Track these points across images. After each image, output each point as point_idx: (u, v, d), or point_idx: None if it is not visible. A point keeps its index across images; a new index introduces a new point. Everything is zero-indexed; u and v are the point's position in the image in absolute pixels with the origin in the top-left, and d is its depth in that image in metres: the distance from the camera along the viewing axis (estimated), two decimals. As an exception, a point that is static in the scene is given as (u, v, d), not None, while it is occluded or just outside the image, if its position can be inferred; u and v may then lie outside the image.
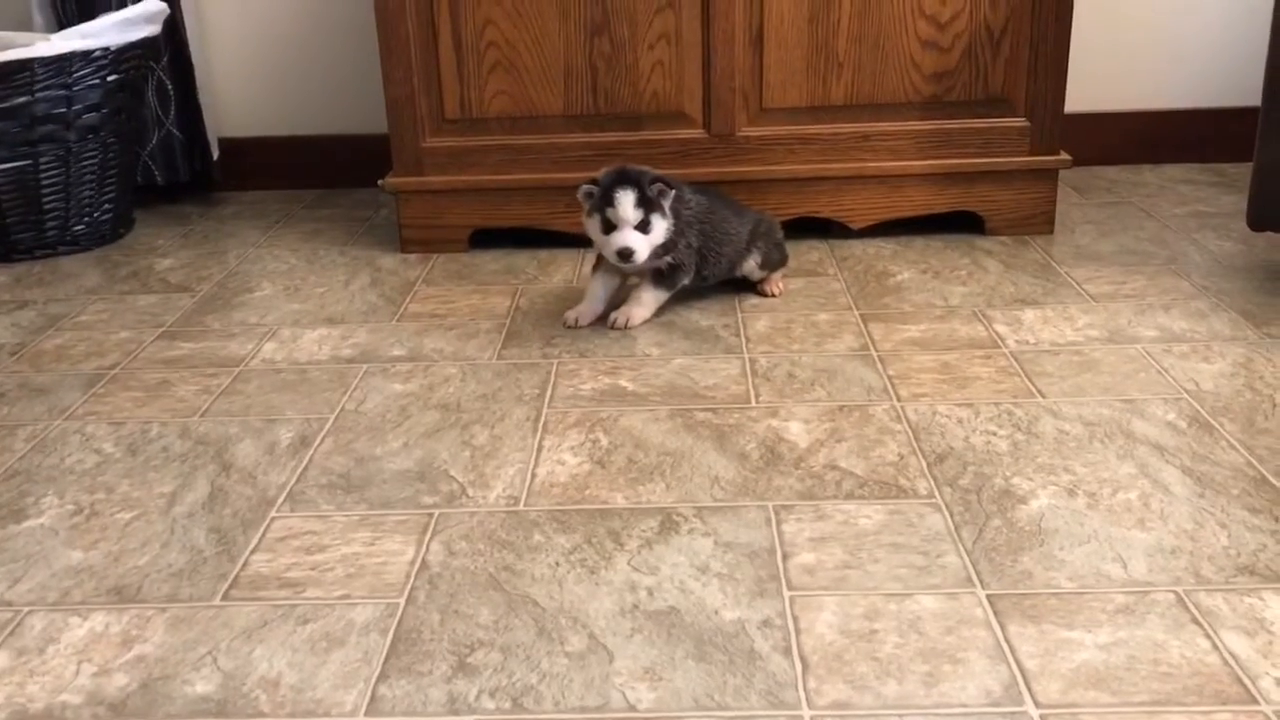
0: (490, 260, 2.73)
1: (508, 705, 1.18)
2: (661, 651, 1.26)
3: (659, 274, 2.18)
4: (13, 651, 1.34)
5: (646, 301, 2.20)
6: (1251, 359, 2.01)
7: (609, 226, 2.10)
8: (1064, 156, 2.69)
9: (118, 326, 2.40)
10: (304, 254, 2.86)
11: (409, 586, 1.44)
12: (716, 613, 1.35)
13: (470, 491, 1.66)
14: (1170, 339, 2.11)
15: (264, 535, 1.57)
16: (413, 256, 2.80)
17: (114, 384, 2.10)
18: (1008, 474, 1.65)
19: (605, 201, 2.08)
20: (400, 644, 1.32)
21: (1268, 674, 1.23)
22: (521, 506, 1.61)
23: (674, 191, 2.12)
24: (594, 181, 2.11)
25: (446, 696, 1.21)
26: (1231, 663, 1.25)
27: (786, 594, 1.39)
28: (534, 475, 1.69)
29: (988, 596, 1.38)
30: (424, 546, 1.53)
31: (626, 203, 2.06)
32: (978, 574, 1.42)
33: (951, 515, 1.55)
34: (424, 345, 2.22)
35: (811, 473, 1.67)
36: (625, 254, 2.08)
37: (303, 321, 2.38)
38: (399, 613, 1.39)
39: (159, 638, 1.36)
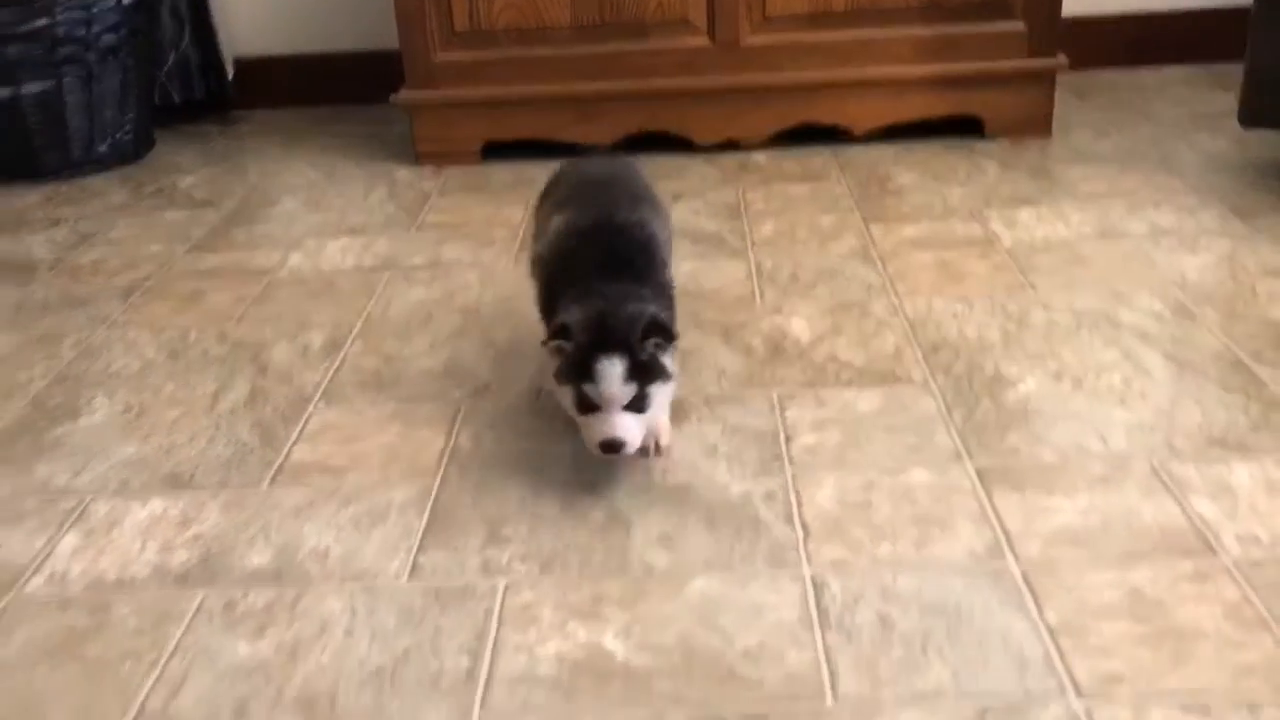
0: (502, 172, 2.81)
1: (536, 570, 1.30)
2: (675, 521, 1.38)
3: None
4: (82, 533, 1.46)
5: (661, 403, 1.48)
6: (1236, 251, 2.10)
7: (587, 404, 1.41)
8: (1061, 60, 2.75)
9: (148, 241, 2.49)
10: (322, 168, 2.94)
11: (441, 470, 1.56)
12: (725, 487, 1.47)
13: (494, 387, 1.77)
14: (1159, 234, 2.20)
15: (304, 428, 1.69)
16: (427, 169, 2.88)
17: (150, 295, 2.20)
18: (998, 361, 1.76)
19: (581, 374, 1.39)
20: (436, 520, 1.45)
21: (1229, 531, 1.34)
22: (541, 401, 1.72)
23: (676, 341, 1.45)
24: (562, 330, 1.41)
25: (481, 562, 1.33)
26: (1198, 522, 1.37)
27: (789, 471, 1.51)
28: (553, 370, 1.81)
29: (975, 469, 1.49)
30: (453, 436, 1.64)
31: (612, 377, 1.38)
32: (967, 450, 1.54)
33: (944, 399, 1.66)
34: (443, 253, 2.31)
35: (813, 364, 1.78)
36: (612, 447, 1.39)
37: (325, 232, 2.47)
38: (433, 493, 1.51)
39: (214, 519, 1.48)
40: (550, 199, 1.72)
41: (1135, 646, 1.18)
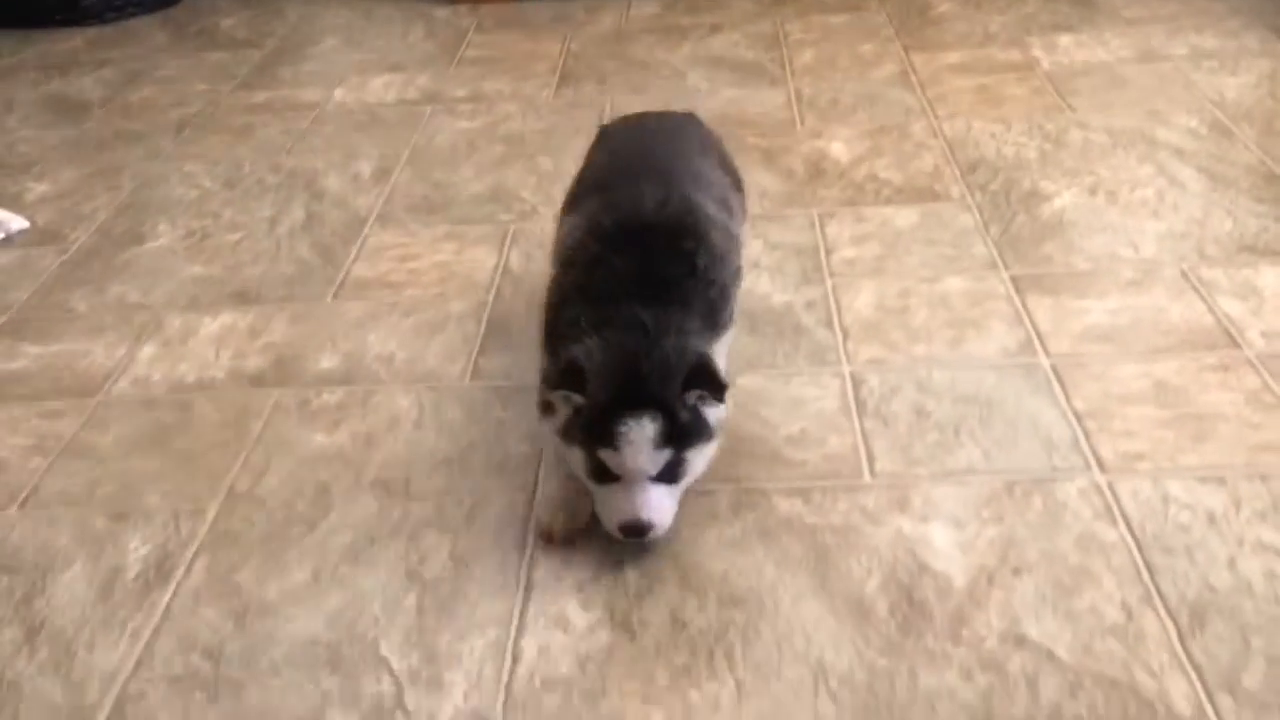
0: (538, 9, 2.81)
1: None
2: (720, 325, 1.46)
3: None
4: (159, 343, 1.55)
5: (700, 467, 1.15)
6: (1276, 71, 2.10)
7: (605, 474, 1.09)
8: (1107, -119, 2.68)
9: (195, 79, 2.53)
10: (360, 9, 2.95)
11: (494, 286, 1.63)
12: (767, 297, 1.53)
13: (540, 210, 1.83)
14: (1199, 56, 2.19)
15: (361, 248, 1.76)
16: (463, 7, 2.88)
17: (201, 129, 2.25)
18: (1035, 178, 1.79)
19: (599, 437, 1.07)
20: (492, 329, 1.52)
21: (1254, 327, 1.40)
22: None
23: (725, 392, 1.09)
24: (573, 373, 1.08)
25: (535, 363, 1.42)
26: (1224, 320, 1.42)
27: (829, 281, 1.57)
28: (598, 192, 1.86)
29: (1010, 277, 1.55)
30: (504, 255, 1.71)
31: (640, 443, 1.06)
32: (1002, 260, 1.59)
33: (981, 214, 1.70)
34: (483, 87, 2.34)
35: (853, 184, 1.82)
36: (636, 530, 1.09)
37: (368, 69, 2.50)
38: (488, 306, 1.58)
39: (282, 329, 1.56)
40: (584, 176, 1.39)
41: (1157, 428, 1.24)
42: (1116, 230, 1.64)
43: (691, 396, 1.07)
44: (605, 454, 1.07)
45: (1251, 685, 0.95)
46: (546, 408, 1.12)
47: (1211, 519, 1.12)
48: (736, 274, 1.25)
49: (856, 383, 1.35)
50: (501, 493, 1.23)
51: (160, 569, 1.17)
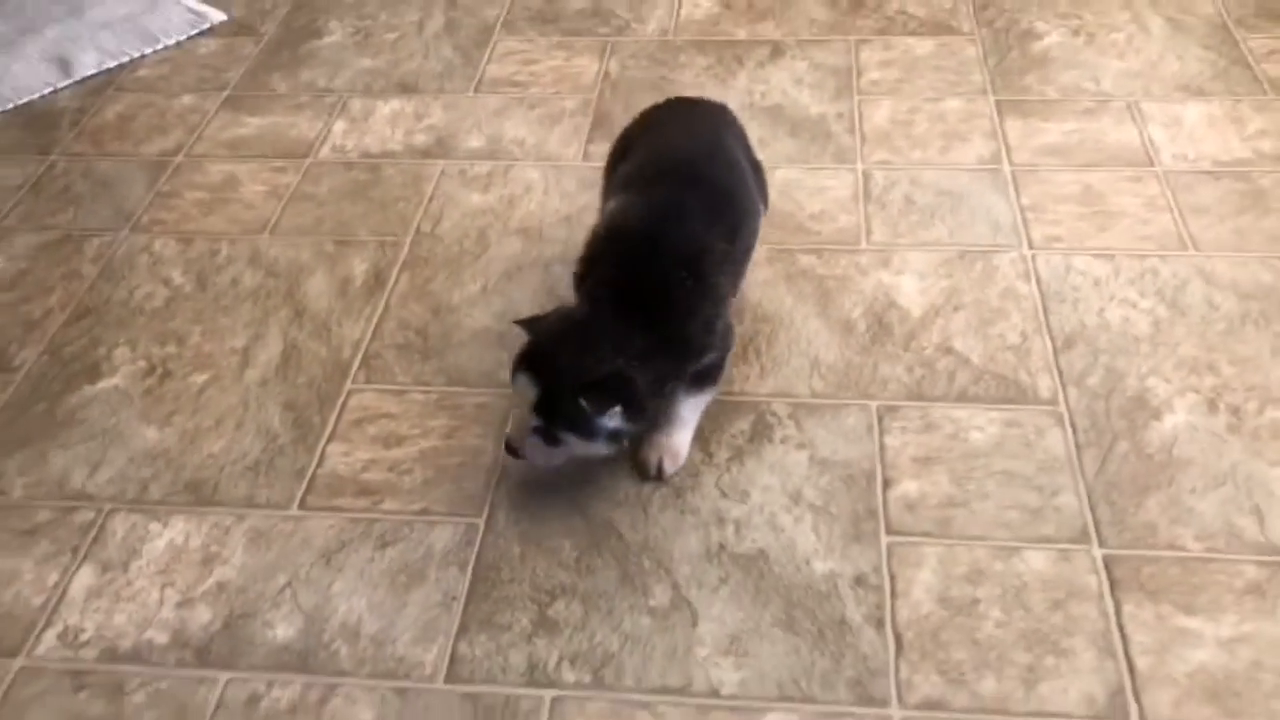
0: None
1: (671, 157, 1.90)
2: (769, 131, 1.95)
3: (699, 373, 1.40)
4: (347, 120, 2.07)
5: (689, 419, 1.42)
6: (1259, -70, 2.46)
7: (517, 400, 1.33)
8: None
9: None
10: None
11: (598, 88, 2.12)
12: (806, 108, 2.02)
13: (632, 25, 2.29)
14: (1198, -89, 2.55)
15: (492, 53, 2.24)
16: None
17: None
18: (1032, 19, 2.22)
19: (513, 369, 1.32)
20: (597, 121, 2.03)
21: (1168, 150, 1.87)
22: (670, 36, 2.24)
23: (618, 409, 1.29)
24: (533, 321, 1.37)
25: (632, 150, 1.93)
26: (1147, 143, 1.89)
27: (856, 98, 2.04)
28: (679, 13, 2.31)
29: (995, 101, 2.01)
30: (604, 63, 2.19)
31: (524, 397, 1.30)
32: (992, 86, 2.05)
33: (983, 47, 2.15)
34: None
35: (885, 16, 2.26)
36: (508, 447, 1.34)
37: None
38: (594, 103, 2.08)
39: (438, 115, 2.07)
40: (617, 166, 1.55)
41: (1076, 220, 1.74)
42: (1086, 67, 2.09)
43: (585, 402, 1.27)
44: (512, 381, 1.32)
45: (1092, 383, 1.49)
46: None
47: (1096, 282, 1.63)
48: (713, 320, 1.37)
49: (866, 177, 1.85)
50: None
51: (378, 278, 1.73)
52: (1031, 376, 1.50)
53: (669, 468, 1.39)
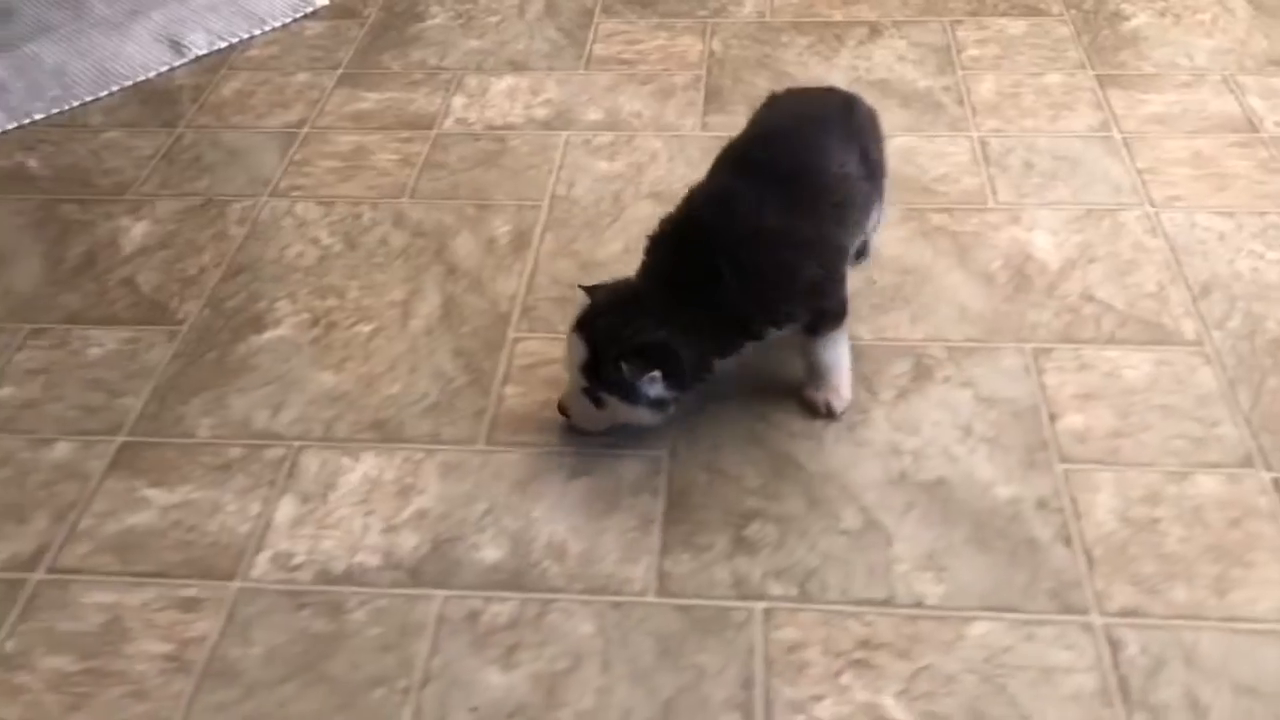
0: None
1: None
2: (879, 105, 2.02)
3: (814, 320, 1.43)
4: (465, 96, 2.13)
5: (836, 359, 1.45)
6: (1323, -80, 2.56)
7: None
8: None
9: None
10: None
11: (705, 64, 2.18)
12: (914, 82, 2.09)
13: (729, 7, 2.36)
14: (1262, -96, 2.64)
15: (595, 34, 2.30)
16: None
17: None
18: (1118, 2, 2.30)
19: (568, 334, 1.39)
20: (710, 95, 2.09)
21: (1270, 118, 1.95)
22: (768, 18, 2.32)
23: (657, 375, 1.34)
24: (592, 289, 1.43)
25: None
26: (1248, 112, 1.97)
27: (959, 73, 2.11)
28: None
29: (1094, 75, 2.09)
30: (708, 42, 2.26)
31: (573, 358, 1.38)
32: (1089, 62, 2.12)
33: (1075, 27, 2.23)
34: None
35: (974, -1, 2.34)
36: (560, 411, 1.44)
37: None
38: (703, 79, 2.14)
39: (553, 91, 2.13)
40: (724, 151, 1.52)
41: (1192, 182, 1.81)
42: (1178, 44, 2.17)
43: (623, 366, 1.32)
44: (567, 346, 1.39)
45: (1233, 326, 1.55)
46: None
47: (1220, 236, 1.70)
48: (811, 285, 1.38)
49: (983, 144, 1.92)
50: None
51: (521, 238, 1.78)
52: (1174, 320, 1.56)
53: (837, 405, 1.45)
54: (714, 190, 1.44)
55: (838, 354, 1.45)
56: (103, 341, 1.62)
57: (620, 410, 1.37)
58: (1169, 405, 1.44)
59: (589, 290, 1.42)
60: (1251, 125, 1.94)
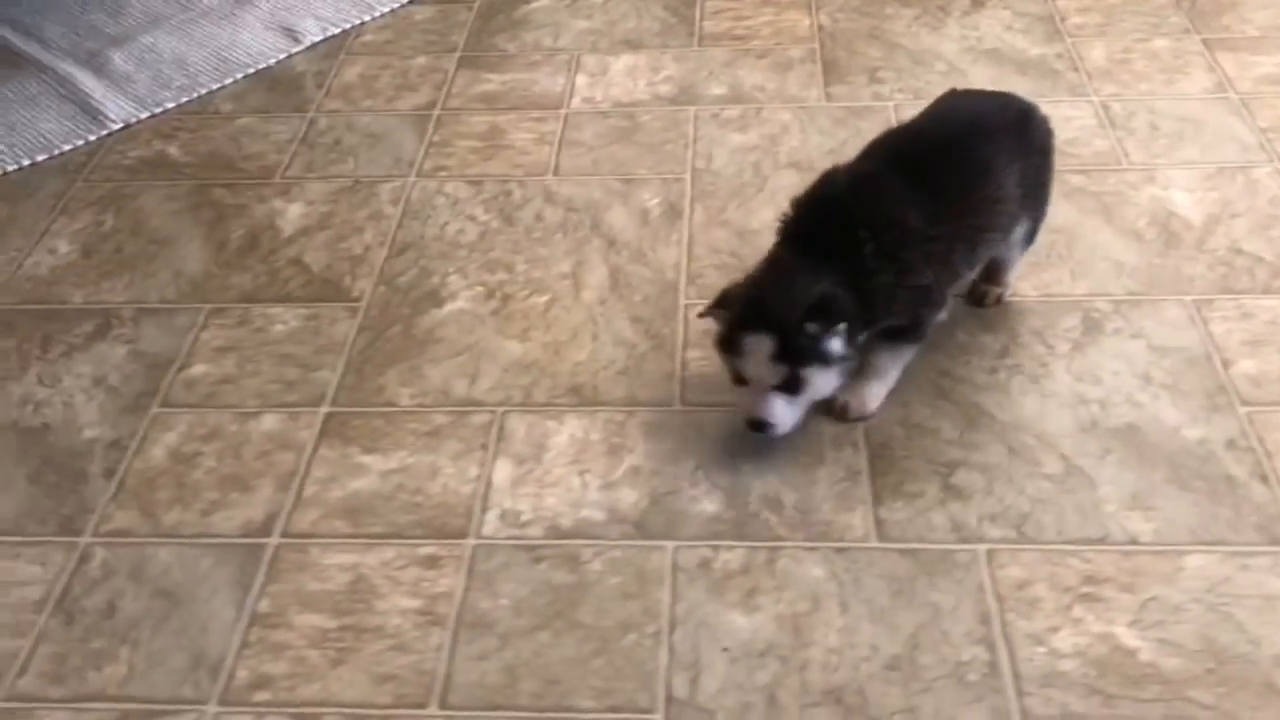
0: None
1: (909, 96, 2.02)
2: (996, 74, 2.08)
3: (895, 329, 1.44)
4: (586, 74, 2.17)
5: (886, 370, 1.46)
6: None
7: (738, 378, 1.39)
8: None
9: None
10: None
11: (816, 38, 2.23)
12: (1024, 50, 2.14)
13: (827, -17, 2.42)
14: None
15: (703, 10, 2.35)
16: None
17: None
18: (1211, -33, 2.35)
19: (731, 347, 1.37)
20: (827, 67, 2.14)
21: (1381, 76, 2.01)
22: None
23: (842, 327, 1.35)
24: (723, 298, 1.40)
25: (871, 92, 2.04)
26: (1359, 71, 2.03)
27: (1067, 40, 2.17)
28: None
29: (1201, 39, 2.14)
30: (814, 16, 2.30)
31: (759, 355, 1.35)
32: (1194, 26, 2.18)
33: (1172, -6, 2.29)
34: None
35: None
36: (757, 426, 1.38)
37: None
38: (818, 52, 2.19)
39: (672, 66, 2.18)
40: (879, 138, 1.56)
41: (1317, 138, 1.88)
42: (1276, 7, 2.22)
43: (811, 329, 1.32)
44: (733, 361, 1.37)
45: (1380, 274, 1.62)
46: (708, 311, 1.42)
47: (1355, 190, 1.77)
48: (918, 290, 1.40)
49: (1105, 108, 1.98)
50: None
51: (672, 210, 1.83)
52: (1325, 270, 1.62)
53: (855, 411, 1.44)
54: (865, 174, 1.45)
55: (891, 366, 1.46)
56: (285, 319, 1.67)
57: (817, 383, 1.36)
58: (1336, 349, 1.51)
59: (720, 303, 1.39)
60: (1364, 84, 2.00)
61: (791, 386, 1.36)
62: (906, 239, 1.38)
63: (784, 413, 1.37)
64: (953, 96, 1.64)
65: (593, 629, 1.24)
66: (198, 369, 1.59)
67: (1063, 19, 2.24)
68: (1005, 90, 1.69)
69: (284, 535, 1.36)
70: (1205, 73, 2.06)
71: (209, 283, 1.74)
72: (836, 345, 1.36)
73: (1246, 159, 1.85)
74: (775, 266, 1.41)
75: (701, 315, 1.44)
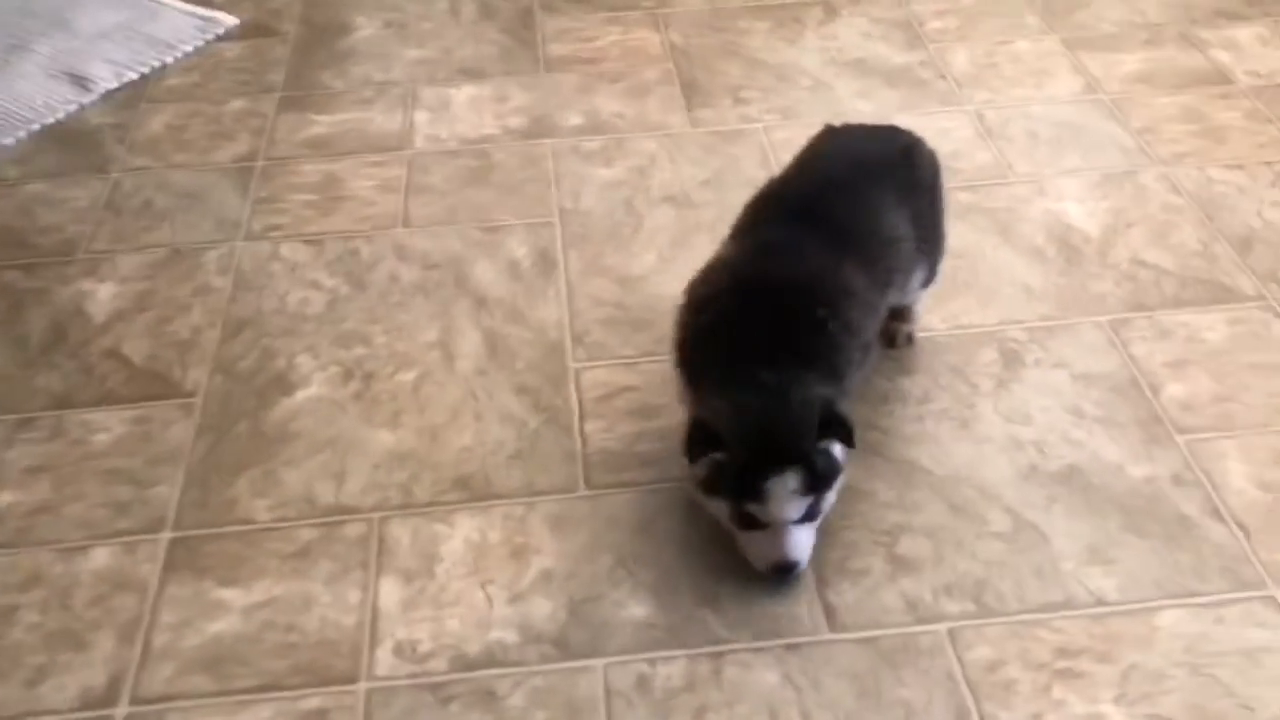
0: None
1: (779, 116, 1.90)
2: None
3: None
4: (425, 109, 1.97)
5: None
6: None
7: (750, 521, 1.19)
8: None
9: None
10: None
11: (670, 58, 2.09)
12: (887, 59, 2.05)
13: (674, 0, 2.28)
14: None
15: (543, 32, 2.18)
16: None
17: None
18: None
19: (743, 491, 1.17)
20: (687, 90, 2.00)
21: (1238, 69, 1.99)
22: (719, 4, 2.24)
23: (853, 434, 1.19)
24: (706, 435, 1.17)
25: (738, 115, 1.92)
26: (1218, 65, 2.01)
27: (930, 46, 2.09)
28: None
29: (1060, 39, 2.09)
30: (664, 34, 2.16)
31: (785, 497, 1.16)
32: (1049, 26, 2.13)
33: (1023, -7, 2.23)
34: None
35: (915, -29, 2.31)
36: (786, 569, 1.20)
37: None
38: (674, 73, 2.05)
39: (520, 97, 2.00)
40: (757, 202, 1.39)
41: (1192, 138, 1.83)
42: (1128, 2, 2.19)
43: (825, 444, 1.18)
44: (752, 507, 1.17)
45: (1284, 277, 1.58)
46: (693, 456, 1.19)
47: (1240, 189, 1.72)
48: (865, 348, 1.29)
49: (979, 117, 1.90)
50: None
51: (545, 259, 1.65)
52: (1230, 277, 1.57)
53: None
54: (782, 243, 1.29)
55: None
56: (107, 425, 1.42)
57: (830, 499, 1.22)
58: (1257, 364, 1.44)
59: (705, 441, 1.17)
60: (1225, 78, 1.98)
61: (813, 515, 1.20)
62: (854, 301, 1.26)
63: (808, 543, 1.21)
64: (831, 135, 1.48)
65: (524, 780, 1.06)
66: (5, 497, 1.33)
67: (920, 24, 2.16)
68: (886, 124, 1.56)
69: (133, 702, 1.13)
70: (1072, 74, 2.01)
71: (9, 388, 1.48)
72: (841, 453, 1.21)
73: (1130, 163, 1.79)
74: (745, 376, 1.18)
75: (692, 460, 1.19)
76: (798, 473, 1.16)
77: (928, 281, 1.45)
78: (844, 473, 1.22)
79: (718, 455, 1.17)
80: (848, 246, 1.29)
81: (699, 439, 1.17)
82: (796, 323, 1.22)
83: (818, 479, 1.17)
